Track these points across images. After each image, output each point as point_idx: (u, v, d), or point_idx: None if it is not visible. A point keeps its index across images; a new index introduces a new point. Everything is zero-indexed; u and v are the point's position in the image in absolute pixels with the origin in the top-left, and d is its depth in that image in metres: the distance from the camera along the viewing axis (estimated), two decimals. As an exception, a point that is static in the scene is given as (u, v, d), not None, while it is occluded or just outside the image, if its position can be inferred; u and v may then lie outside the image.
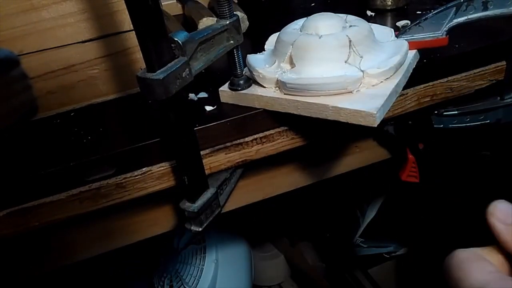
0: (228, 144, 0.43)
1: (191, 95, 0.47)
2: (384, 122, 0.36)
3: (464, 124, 0.53)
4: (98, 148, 0.41)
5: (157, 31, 0.32)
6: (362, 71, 0.38)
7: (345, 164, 0.58)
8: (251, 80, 0.44)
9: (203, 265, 0.89)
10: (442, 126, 0.53)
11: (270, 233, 1.12)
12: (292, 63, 0.41)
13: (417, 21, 0.45)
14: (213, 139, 0.43)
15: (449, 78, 0.49)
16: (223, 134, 0.43)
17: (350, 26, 0.41)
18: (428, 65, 0.48)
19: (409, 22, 0.57)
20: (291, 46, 0.41)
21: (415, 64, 0.44)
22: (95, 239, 0.48)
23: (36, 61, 0.46)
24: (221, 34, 0.40)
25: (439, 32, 0.45)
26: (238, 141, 0.44)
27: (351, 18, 0.43)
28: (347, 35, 0.39)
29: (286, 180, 0.54)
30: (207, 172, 0.43)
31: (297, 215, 1.11)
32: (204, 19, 0.62)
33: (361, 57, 0.40)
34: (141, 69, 0.34)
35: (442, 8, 0.45)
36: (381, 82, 0.39)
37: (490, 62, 0.50)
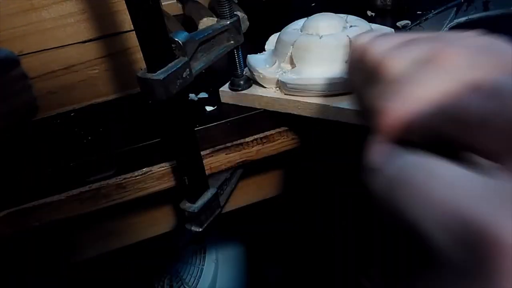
0: (229, 144, 0.43)
1: (192, 95, 0.47)
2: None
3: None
4: (98, 148, 0.41)
5: (158, 31, 0.32)
6: (363, 71, 0.38)
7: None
8: (252, 80, 0.44)
9: (203, 265, 0.89)
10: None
11: (270, 233, 1.12)
12: (292, 63, 0.41)
13: (418, 21, 0.45)
14: (214, 139, 0.43)
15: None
16: (223, 134, 0.43)
17: (351, 26, 0.41)
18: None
19: (409, 22, 0.57)
20: (291, 46, 0.41)
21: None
22: (95, 239, 0.48)
23: (36, 61, 0.46)
24: (221, 34, 0.40)
25: (440, 32, 0.45)
26: (239, 141, 0.44)
27: (352, 18, 0.43)
28: (347, 35, 0.39)
29: (286, 180, 0.54)
30: (207, 172, 0.43)
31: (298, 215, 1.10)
32: (205, 19, 0.62)
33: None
34: (141, 69, 0.34)
35: (443, 8, 0.45)
36: (382, 82, 0.39)
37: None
